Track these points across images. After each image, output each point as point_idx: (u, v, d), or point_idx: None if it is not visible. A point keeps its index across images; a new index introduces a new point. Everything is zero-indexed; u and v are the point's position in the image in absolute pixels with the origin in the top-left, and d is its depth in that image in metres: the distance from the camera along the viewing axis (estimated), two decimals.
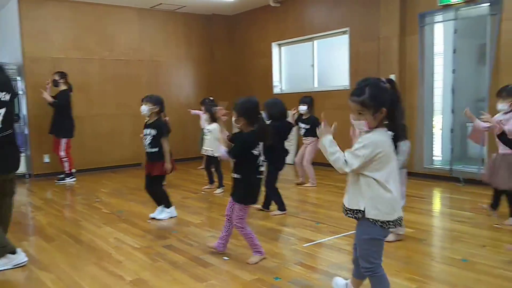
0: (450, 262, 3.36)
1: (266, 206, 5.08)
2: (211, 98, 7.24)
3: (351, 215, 2.38)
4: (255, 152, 3.38)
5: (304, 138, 6.44)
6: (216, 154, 5.84)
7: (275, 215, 4.88)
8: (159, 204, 4.88)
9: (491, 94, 5.78)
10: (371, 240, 2.33)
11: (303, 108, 6.31)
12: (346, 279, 2.78)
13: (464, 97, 6.56)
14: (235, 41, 10.12)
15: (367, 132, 2.28)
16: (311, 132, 6.20)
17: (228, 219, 3.57)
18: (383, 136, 2.28)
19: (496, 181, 4.26)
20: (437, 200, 5.76)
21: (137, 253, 3.75)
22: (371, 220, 2.28)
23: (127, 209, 5.38)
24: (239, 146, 3.38)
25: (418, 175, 6.68)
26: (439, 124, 7.12)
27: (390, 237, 3.74)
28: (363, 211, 2.29)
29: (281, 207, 4.96)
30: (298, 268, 3.31)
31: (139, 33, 8.99)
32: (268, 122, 4.75)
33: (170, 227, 4.56)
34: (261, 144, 3.54)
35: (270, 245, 3.83)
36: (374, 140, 2.24)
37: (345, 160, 2.27)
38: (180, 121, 8.89)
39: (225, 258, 3.55)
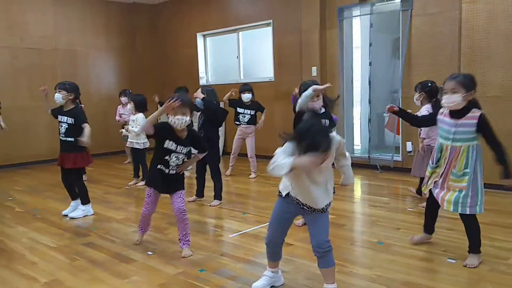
0: (367, 245, 3.53)
1: (201, 194, 5.08)
2: (130, 90, 7.08)
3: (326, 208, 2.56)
4: None
5: (246, 126, 6.30)
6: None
7: (216, 205, 4.88)
8: (73, 198, 4.65)
9: (404, 86, 6.17)
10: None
11: (248, 96, 6.22)
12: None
13: (380, 89, 6.92)
14: (158, 31, 9.86)
15: None
16: (254, 120, 6.24)
17: (148, 218, 3.60)
18: None
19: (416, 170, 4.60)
20: (357, 187, 6.02)
21: (54, 253, 3.55)
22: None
23: (44, 207, 5.07)
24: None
25: None
26: (358, 114, 7.46)
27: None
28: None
29: (220, 196, 4.97)
30: (224, 259, 3.31)
31: (54, 20, 8.45)
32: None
33: (91, 224, 4.36)
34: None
35: (196, 237, 3.79)
36: None
37: None
38: (101, 114, 8.53)
39: (149, 253, 3.47)
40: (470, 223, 3.04)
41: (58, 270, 3.18)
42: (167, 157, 3.31)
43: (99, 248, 3.63)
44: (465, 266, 2.98)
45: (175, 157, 3.32)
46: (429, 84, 4.43)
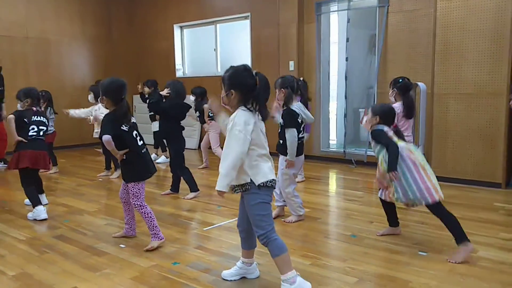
0: (341, 238, 3.56)
1: (175, 189, 5.00)
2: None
3: (240, 190, 2.63)
4: (124, 128, 3.32)
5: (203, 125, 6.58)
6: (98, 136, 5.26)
7: (190, 198, 4.82)
8: (39, 192, 4.45)
9: (379, 81, 6.24)
10: (260, 204, 2.51)
11: (191, 98, 6.35)
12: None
13: (356, 84, 6.97)
14: (135, 22, 9.69)
15: None
16: (202, 119, 6.39)
17: (124, 202, 3.52)
18: None
19: None
20: (332, 181, 6.08)
21: (22, 246, 3.45)
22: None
23: (14, 199, 4.93)
24: (104, 124, 3.32)
25: (316, 158, 7.01)
26: (334, 109, 7.51)
27: (293, 218, 3.91)
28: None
29: (194, 187, 4.90)
30: (198, 251, 3.29)
31: (25, 7, 8.20)
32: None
33: (62, 217, 4.26)
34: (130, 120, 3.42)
35: (170, 230, 3.76)
36: None
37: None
38: (75, 105, 8.28)
39: (122, 245, 3.42)
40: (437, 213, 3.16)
41: (27, 263, 3.10)
42: None
43: (70, 241, 3.55)
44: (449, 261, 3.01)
45: None
46: (400, 80, 4.46)
